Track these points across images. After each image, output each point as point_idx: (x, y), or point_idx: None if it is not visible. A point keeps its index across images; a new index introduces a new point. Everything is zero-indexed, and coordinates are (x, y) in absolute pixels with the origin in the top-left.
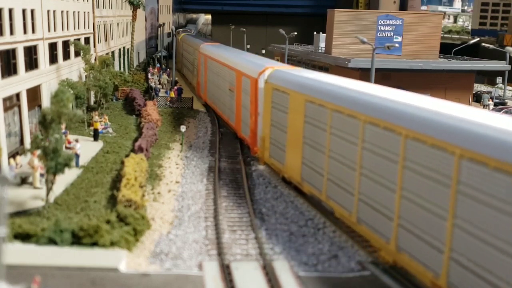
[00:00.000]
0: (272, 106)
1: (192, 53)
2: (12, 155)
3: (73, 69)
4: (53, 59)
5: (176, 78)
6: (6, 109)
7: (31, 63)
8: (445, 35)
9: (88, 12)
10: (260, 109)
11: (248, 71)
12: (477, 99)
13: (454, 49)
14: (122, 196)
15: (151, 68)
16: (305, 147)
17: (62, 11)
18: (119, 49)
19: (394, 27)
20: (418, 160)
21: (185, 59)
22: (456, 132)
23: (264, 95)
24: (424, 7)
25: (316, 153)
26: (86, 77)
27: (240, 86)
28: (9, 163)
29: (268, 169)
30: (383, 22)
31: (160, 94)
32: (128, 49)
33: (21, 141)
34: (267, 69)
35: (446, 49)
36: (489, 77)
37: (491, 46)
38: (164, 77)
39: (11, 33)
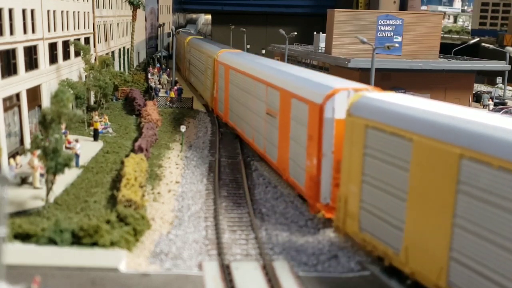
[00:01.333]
0: (364, 153)
1: (204, 61)
2: (12, 155)
3: (73, 69)
4: (53, 59)
5: (176, 78)
6: (6, 109)
7: (31, 63)
8: (445, 35)
9: (88, 12)
10: (326, 149)
11: (304, 93)
12: (477, 99)
13: (454, 49)
14: (122, 196)
15: (151, 68)
16: (458, 233)
17: (62, 11)
18: (119, 49)
19: (394, 27)
20: None
21: (193, 67)
22: None
23: (347, 133)
24: (424, 7)
25: (495, 250)
26: (86, 77)
27: (288, 112)
28: (9, 163)
29: (352, 243)
30: (383, 22)
31: (160, 94)
32: (128, 49)
33: (21, 141)
34: (338, 91)
35: (446, 49)
36: (489, 77)
37: (491, 46)
38: (164, 77)
39: (11, 33)
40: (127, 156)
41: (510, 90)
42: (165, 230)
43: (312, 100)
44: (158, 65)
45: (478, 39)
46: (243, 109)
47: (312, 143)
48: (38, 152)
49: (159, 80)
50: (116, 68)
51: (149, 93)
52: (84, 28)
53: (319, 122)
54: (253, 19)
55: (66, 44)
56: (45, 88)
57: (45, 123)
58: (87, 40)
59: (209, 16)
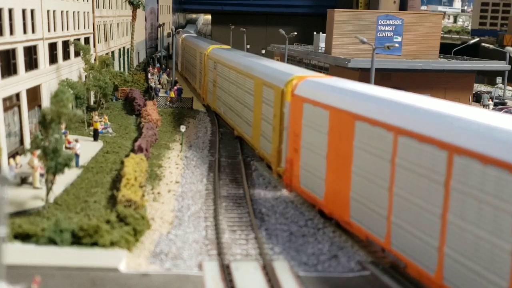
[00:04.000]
0: None
1: (253, 90)
2: (12, 155)
3: (73, 69)
4: (53, 59)
5: (176, 78)
6: (6, 109)
7: (31, 63)
8: (445, 35)
9: (88, 12)
10: None
11: None
12: (477, 99)
13: (454, 49)
14: (122, 196)
15: (151, 68)
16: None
17: (62, 11)
18: (119, 49)
19: (394, 27)
20: None
21: (225, 93)
22: None
23: None
24: (424, 7)
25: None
26: (86, 77)
27: None
28: (9, 163)
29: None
30: (383, 22)
31: (160, 94)
32: (128, 49)
33: (21, 141)
34: None
35: (446, 49)
36: (489, 77)
37: (491, 46)
38: (164, 77)
39: (11, 33)
40: (127, 156)
41: (510, 90)
42: (165, 230)
43: None
44: (158, 65)
45: (478, 39)
46: (406, 205)
47: None
48: (38, 152)
49: (159, 80)
50: (116, 68)
51: (149, 93)
52: (84, 28)
53: None
54: (253, 19)
55: (66, 44)
56: (45, 88)
57: (45, 123)
58: (87, 40)
59: (209, 16)
